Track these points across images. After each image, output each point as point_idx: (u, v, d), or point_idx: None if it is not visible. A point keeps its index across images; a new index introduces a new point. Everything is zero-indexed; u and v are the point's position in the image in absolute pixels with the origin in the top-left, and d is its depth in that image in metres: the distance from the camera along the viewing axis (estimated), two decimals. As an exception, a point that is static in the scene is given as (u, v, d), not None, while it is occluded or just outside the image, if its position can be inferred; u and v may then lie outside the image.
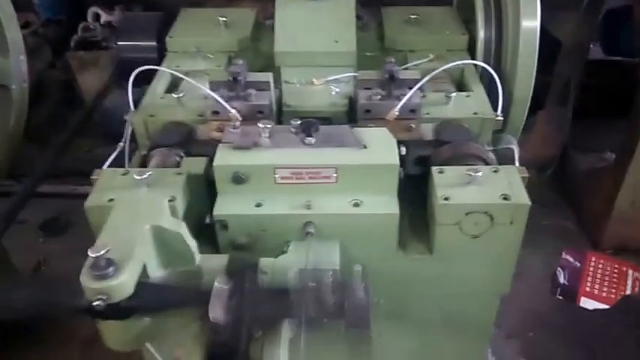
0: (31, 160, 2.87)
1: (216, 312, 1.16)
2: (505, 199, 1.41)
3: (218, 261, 1.38)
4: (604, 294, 3.08)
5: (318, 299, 1.20)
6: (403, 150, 1.55)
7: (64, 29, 3.79)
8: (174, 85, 1.98)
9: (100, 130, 3.61)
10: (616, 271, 3.19)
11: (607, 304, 3.03)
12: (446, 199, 1.41)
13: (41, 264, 3.14)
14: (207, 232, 1.49)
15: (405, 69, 1.87)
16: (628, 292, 3.09)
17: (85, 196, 1.48)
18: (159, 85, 1.93)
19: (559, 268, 3.21)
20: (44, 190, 3.17)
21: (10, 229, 2.19)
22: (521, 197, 1.41)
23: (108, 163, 1.61)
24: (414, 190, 1.60)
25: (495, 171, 1.50)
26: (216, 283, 1.19)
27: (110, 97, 3.46)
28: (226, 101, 1.65)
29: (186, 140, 1.68)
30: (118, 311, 1.19)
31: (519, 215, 1.42)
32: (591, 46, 3.71)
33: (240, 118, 1.63)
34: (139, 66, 1.79)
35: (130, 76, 1.79)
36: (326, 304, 1.19)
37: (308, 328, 1.17)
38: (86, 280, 1.15)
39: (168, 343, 1.43)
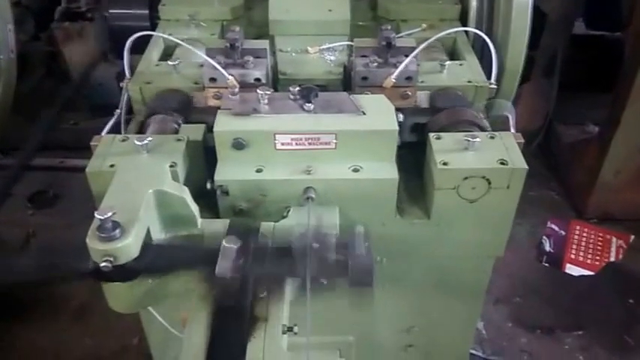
0: (15, 133, 2.86)
1: (224, 270, 1.17)
2: (502, 163, 1.44)
3: (219, 225, 1.39)
4: (588, 261, 3.15)
5: (322, 257, 1.22)
6: (400, 117, 1.56)
7: (47, 0, 3.74)
8: (167, 54, 1.97)
9: (86, 103, 3.61)
10: (600, 238, 3.27)
11: (591, 270, 3.11)
12: (445, 164, 1.44)
13: (29, 236, 3.12)
14: (206, 197, 1.50)
15: (400, 37, 1.88)
16: (612, 259, 3.17)
17: (72, 168, 1.48)
18: (153, 52, 1.92)
19: (545, 237, 3.28)
20: (32, 163, 3.17)
21: (-1, 203, 2.19)
22: (518, 162, 1.45)
23: (106, 129, 1.61)
24: (408, 158, 1.63)
25: (492, 137, 1.52)
26: (224, 243, 1.20)
27: (97, 70, 3.45)
28: (223, 68, 1.65)
29: (183, 107, 1.69)
30: (123, 273, 1.20)
31: (516, 179, 1.45)
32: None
33: (238, 85, 1.63)
34: (131, 34, 1.78)
35: (121, 45, 1.78)
36: (329, 262, 1.22)
37: (312, 285, 1.19)
38: (93, 242, 1.16)
39: (171, 306, 1.45)
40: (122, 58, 1.79)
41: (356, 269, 1.21)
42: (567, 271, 3.14)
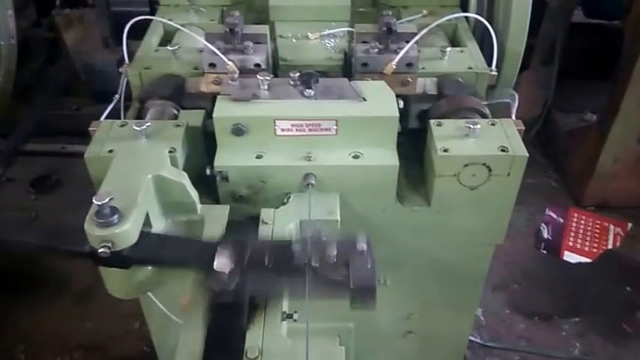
0: (17, 120, 2.86)
1: (222, 266, 1.16)
2: (503, 150, 1.43)
3: (219, 211, 1.39)
4: (586, 248, 3.16)
5: (322, 277, 1.18)
6: (401, 103, 1.56)
7: (48, -14, 3.72)
8: (166, 40, 1.96)
9: (87, 89, 3.61)
10: (598, 226, 3.28)
11: (589, 257, 3.12)
12: (445, 150, 1.43)
13: (32, 221, 3.12)
14: (205, 184, 1.49)
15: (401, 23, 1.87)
16: (610, 246, 3.18)
17: (74, 154, 1.47)
18: (153, 37, 1.91)
19: (543, 224, 3.29)
20: (34, 148, 3.19)
21: (1, 187, 2.18)
22: (519, 149, 1.44)
23: (105, 114, 1.61)
24: (408, 145, 1.62)
25: (492, 124, 1.52)
26: (217, 255, 1.18)
27: (98, 56, 3.45)
28: (223, 54, 1.65)
29: (181, 93, 1.68)
30: (121, 259, 1.20)
31: (517, 166, 1.45)
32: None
33: (237, 71, 1.63)
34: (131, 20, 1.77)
35: (121, 30, 1.77)
36: (329, 284, 1.18)
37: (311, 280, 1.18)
38: (91, 228, 1.15)
39: (170, 292, 1.45)
40: (122, 45, 1.78)
41: (358, 291, 1.16)
42: (565, 258, 3.15)
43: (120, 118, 1.65)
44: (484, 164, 1.44)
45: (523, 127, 1.52)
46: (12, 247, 1.34)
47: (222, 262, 1.16)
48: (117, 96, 1.70)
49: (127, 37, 1.75)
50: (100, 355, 2.71)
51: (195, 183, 1.38)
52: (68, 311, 2.85)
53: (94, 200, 1.14)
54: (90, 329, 2.78)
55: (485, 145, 1.45)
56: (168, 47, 1.78)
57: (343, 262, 1.18)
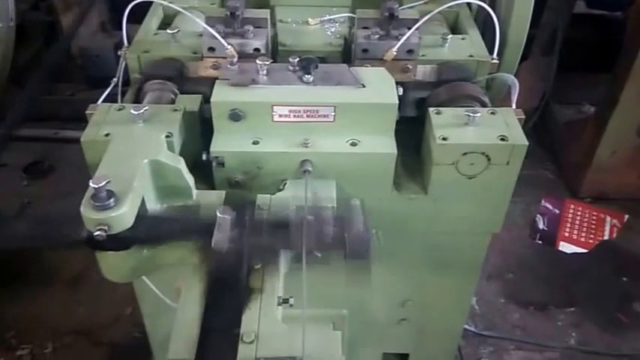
0: (13, 103, 2.84)
1: (220, 241, 1.16)
2: (502, 139, 1.42)
3: (215, 197, 1.38)
4: (582, 239, 3.16)
5: (318, 230, 1.21)
6: (400, 91, 1.54)
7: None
8: (166, 23, 1.94)
9: (82, 74, 3.60)
10: (594, 217, 3.28)
11: (585, 248, 3.13)
12: (444, 139, 1.43)
13: (24, 206, 3.12)
14: (201, 169, 1.48)
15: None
16: (606, 237, 3.17)
17: (68, 139, 1.46)
18: (152, 20, 1.89)
19: (538, 215, 3.29)
20: (27, 133, 3.17)
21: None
22: (519, 138, 1.43)
23: (102, 98, 1.59)
24: (405, 133, 1.61)
25: (492, 112, 1.51)
26: (218, 214, 1.19)
27: (95, 40, 3.43)
28: (222, 38, 1.63)
29: (179, 77, 1.67)
30: (118, 242, 1.20)
31: (516, 156, 1.44)
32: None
33: (237, 55, 1.61)
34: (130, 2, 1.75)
35: (119, 14, 1.75)
36: (325, 235, 1.21)
37: (307, 259, 1.19)
38: (87, 211, 1.15)
39: (165, 276, 1.45)
40: (121, 28, 1.76)
41: (353, 242, 1.20)
42: (561, 248, 3.15)
43: (119, 100, 1.63)
44: (483, 153, 1.43)
45: (523, 116, 1.52)
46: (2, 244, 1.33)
47: (223, 220, 1.19)
48: (115, 79, 1.68)
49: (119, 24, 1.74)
50: (91, 340, 2.71)
51: (192, 168, 1.37)
52: (60, 296, 2.85)
53: (90, 183, 1.14)
54: (81, 314, 2.78)
55: (484, 134, 1.44)
56: (168, 31, 1.76)
57: (338, 217, 1.24)
